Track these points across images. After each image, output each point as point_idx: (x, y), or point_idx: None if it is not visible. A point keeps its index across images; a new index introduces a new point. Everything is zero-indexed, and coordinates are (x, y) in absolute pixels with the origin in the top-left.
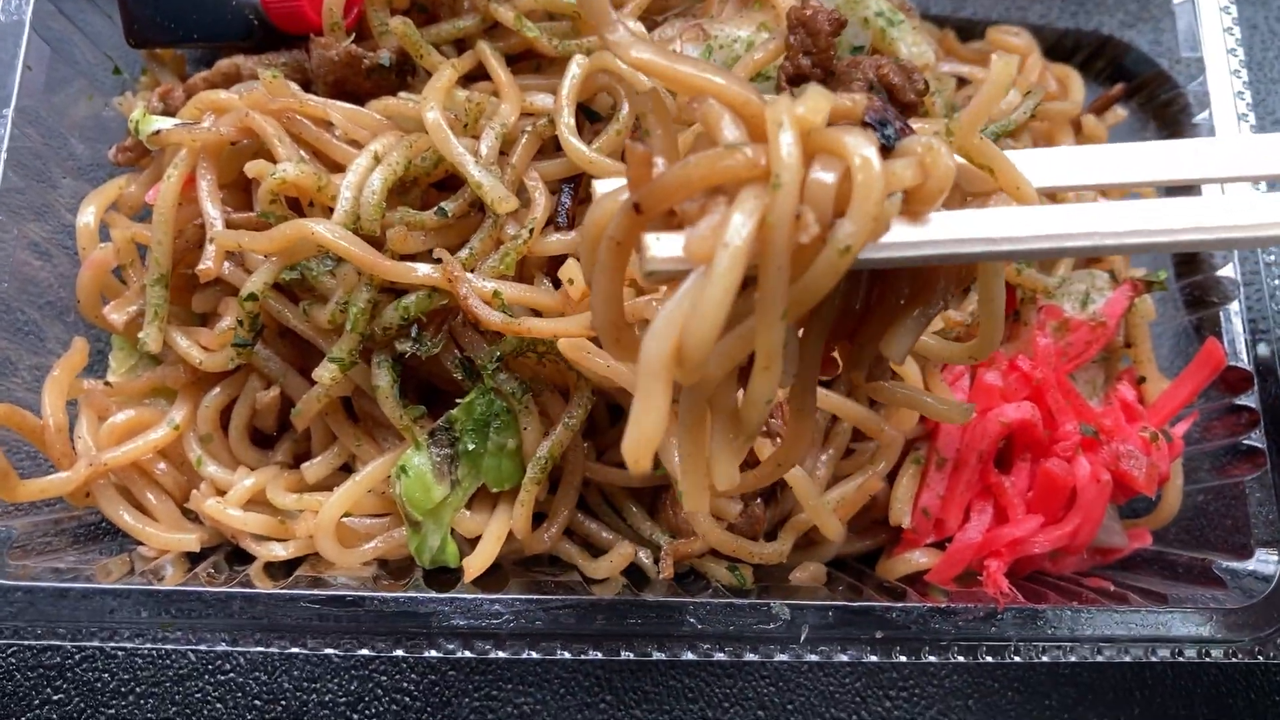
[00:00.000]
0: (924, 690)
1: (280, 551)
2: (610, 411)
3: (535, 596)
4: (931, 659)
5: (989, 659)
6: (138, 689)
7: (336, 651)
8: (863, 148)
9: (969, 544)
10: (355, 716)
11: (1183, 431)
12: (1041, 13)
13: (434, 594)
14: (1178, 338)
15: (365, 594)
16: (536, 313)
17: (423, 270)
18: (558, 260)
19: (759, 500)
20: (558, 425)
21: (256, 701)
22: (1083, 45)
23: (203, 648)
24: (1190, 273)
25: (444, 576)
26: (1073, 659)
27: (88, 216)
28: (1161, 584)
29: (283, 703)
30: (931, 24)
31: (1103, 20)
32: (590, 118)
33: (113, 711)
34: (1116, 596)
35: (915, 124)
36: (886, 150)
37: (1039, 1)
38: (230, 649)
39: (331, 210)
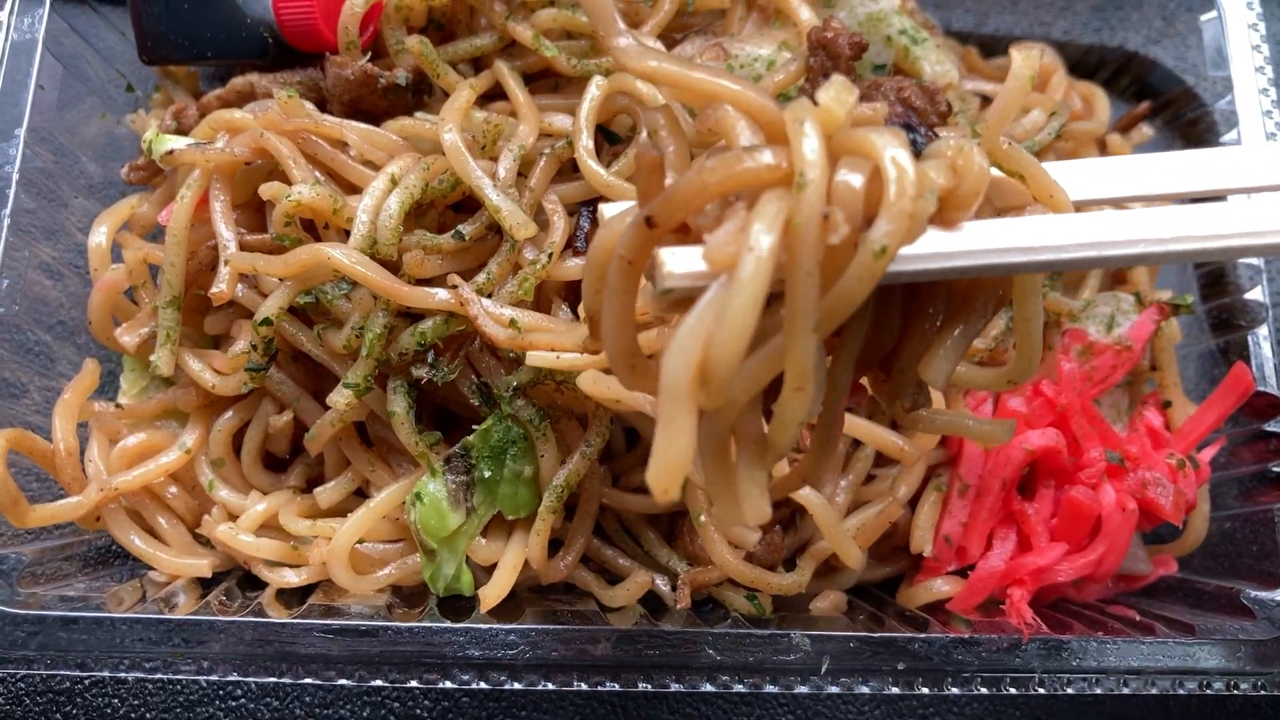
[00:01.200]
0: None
1: (293, 578)
2: (627, 435)
3: (551, 626)
4: (954, 690)
5: (1012, 690)
6: (148, 715)
7: (350, 682)
8: (891, 146)
9: (992, 572)
10: None
11: (1209, 457)
12: (1065, 29)
13: (449, 624)
14: (1204, 361)
15: (379, 624)
16: None
17: (440, 295)
18: (576, 286)
19: (778, 527)
20: (575, 453)
21: None
22: (1107, 61)
23: (214, 678)
24: (1217, 295)
25: (459, 603)
26: (1098, 690)
27: (100, 237)
28: (1188, 613)
29: None
30: (954, 40)
31: (1127, 36)
32: (609, 140)
33: None
34: (1142, 626)
35: (941, 131)
36: (914, 156)
37: (1063, 17)
38: (242, 678)
39: (347, 233)
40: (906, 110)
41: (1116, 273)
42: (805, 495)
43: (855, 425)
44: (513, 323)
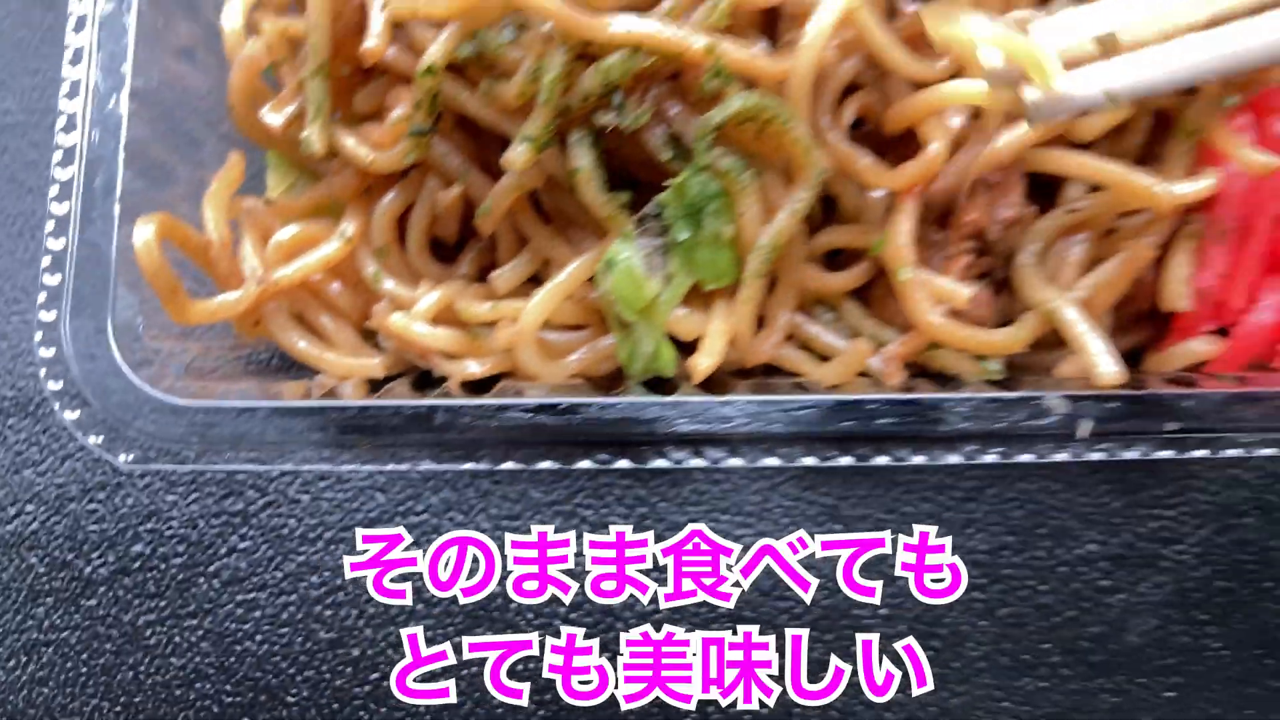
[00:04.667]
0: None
1: (475, 368)
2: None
3: (771, 397)
4: (1234, 452)
5: None
6: (325, 535)
7: (552, 464)
8: None
9: (1260, 327)
10: None
11: None
12: None
13: (657, 398)
14: None
15: (581, 400)
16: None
17: (628, 26)
18: (772, 15)
19: (985, 281)
20: (783, 210)
21: None
22: None
23: (404, 467)
24: None
25: (658, 389)
26: None
27: (233, 18)
28: None
29: None
30: None
31: None
32: None
33: (302, 558)
34: None
35: None
36: None
37: None
38: (437, 465)
39: None
40: None
41: None
42: None
43: (1094, 166)
44: (709, 49)
